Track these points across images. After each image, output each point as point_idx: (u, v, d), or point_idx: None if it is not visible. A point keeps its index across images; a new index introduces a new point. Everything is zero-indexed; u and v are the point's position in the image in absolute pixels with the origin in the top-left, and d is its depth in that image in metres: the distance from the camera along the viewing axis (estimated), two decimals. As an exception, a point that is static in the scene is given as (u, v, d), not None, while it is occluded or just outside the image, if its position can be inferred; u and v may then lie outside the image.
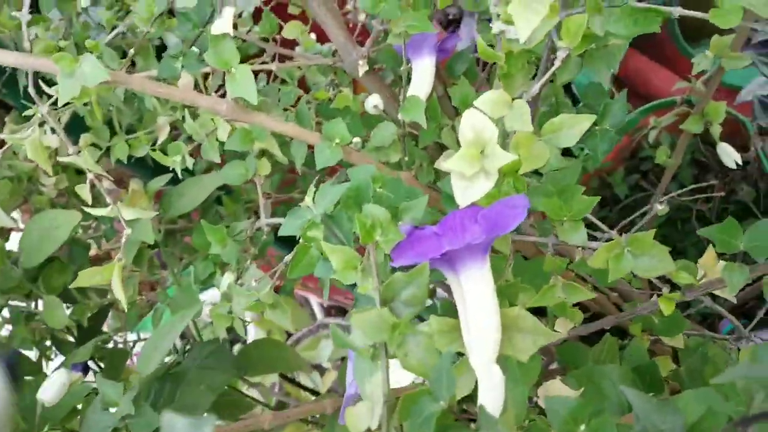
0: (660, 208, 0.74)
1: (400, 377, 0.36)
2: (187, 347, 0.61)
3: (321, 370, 1.28)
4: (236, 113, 0.40)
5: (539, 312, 0.47)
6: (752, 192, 0.98)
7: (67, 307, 0.67)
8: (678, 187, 1.00)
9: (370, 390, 0.30)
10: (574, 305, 0.45)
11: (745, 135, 0.98)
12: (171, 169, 0.56)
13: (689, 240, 1.00)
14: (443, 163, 0.34)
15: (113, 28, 0.50)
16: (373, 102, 0.49)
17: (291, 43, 0.66)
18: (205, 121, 0.46)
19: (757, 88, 0.99)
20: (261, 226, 0.52)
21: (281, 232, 0.37)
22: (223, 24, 0.37)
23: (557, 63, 0.37)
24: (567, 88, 0.89)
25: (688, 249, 1.00)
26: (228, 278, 0.48)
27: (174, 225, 0.67)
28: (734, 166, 0.62)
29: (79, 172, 0.67)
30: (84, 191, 0.44)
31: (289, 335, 1.38)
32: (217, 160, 0.49)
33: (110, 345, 0.74)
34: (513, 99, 0.39)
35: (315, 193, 0.37)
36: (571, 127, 0.39)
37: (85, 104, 0.54)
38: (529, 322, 0.33)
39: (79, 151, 0.40)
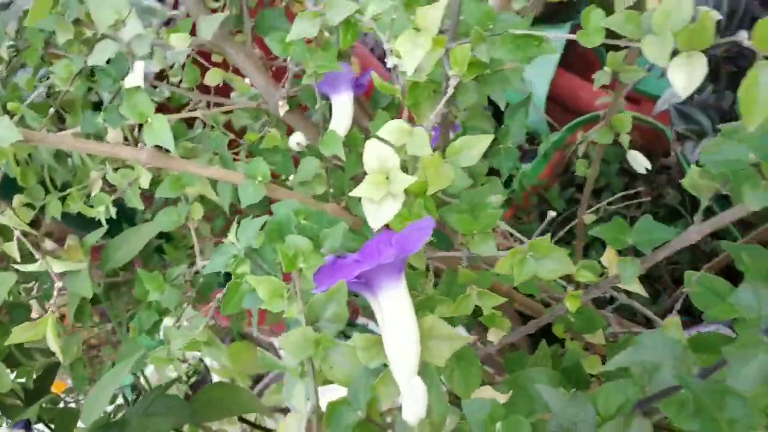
0: (585, 218, 0.78)
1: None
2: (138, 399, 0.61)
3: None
4: (156, 160, 0.42)
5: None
6: (677, 195, 1.04)
7: (12, 371, 0.66)
8: (610, 196, 1.05)
9: (296, 403, 0.31)
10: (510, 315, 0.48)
11: (666, 142, 1.04)
12: (107, 221, 0.57)
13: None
14: (353, 191, 0.37)
15: (34, 88, 0.51)
16: (296, 139, 0.52)
17: (227, 88, 0.68)
18: (127, 172, 0.48)
19: (671, 96, 1.05)
20: (199, 269, 0.54)
21: (206, 270, 0.39)
22: (134, 78, 0.39)
23: (450, 90, 0.40)
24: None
25: (625, 253, 1.05)
26: (167, 322, 0.49)
27: (116, 278, 0.67)
28: (644, 171, 0.66)
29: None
30: (12, 249, 0.44)
31: (257, 382, 1.36)
32: (141, 207, 0.50)
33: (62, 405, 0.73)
34: (422, 125, 0.42)
35: (237, 228, 0.39)
36: (471, 148, 0.42)
37: (17, 163, 0.55)
38: (444, 329, 0.35)
39: (3, 211, 0.41)
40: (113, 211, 0.50)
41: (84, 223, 0.75)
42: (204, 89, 0.64)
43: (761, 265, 0.31)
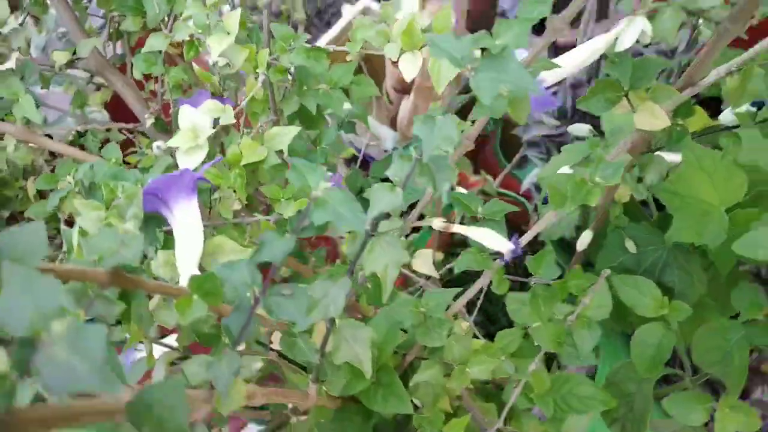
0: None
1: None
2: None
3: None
4: (22, 134, 0.52)
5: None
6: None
7: None
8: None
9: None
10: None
11: (527, 213, 1.21)
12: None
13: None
14: (170, 141, 0.48)
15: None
16: (157, 144, 0.63)
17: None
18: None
19: (532, 178, 1.24)
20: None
21: (48, 207, 0.48)
22: (10, 63, 0.51)
23: (260, 82, 0.53)
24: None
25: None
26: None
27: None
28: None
29: None
30: None
31: None
32: (5, 167, 0.59)
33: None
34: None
35: (74, 171, 0.49)
36: (282, 135, 0.55)
37: None
38: (228, 245, 0.45)
39: None
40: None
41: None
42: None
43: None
